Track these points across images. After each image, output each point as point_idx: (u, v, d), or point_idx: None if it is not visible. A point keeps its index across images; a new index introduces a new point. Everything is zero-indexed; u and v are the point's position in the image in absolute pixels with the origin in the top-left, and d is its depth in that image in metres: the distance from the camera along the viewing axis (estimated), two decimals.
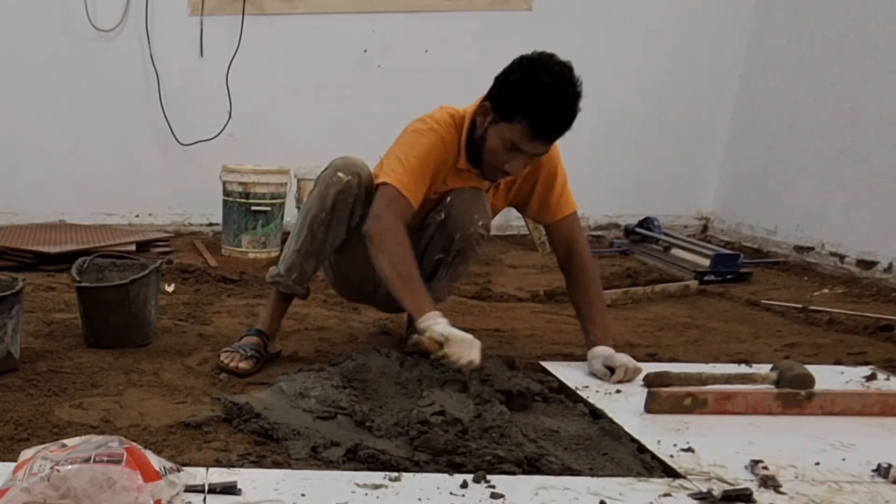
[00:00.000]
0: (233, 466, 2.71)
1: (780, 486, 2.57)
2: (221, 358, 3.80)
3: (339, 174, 3.66)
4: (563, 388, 3.48)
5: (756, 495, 2.50)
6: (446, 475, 2.64)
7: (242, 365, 3.74)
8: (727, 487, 2.54)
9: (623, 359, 3.54)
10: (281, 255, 3.93)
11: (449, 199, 3.69)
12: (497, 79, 3.47)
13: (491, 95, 3.47)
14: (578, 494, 2.52)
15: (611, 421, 3.07)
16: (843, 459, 2.79)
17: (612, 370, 3.53)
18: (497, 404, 3.06)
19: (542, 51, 3.39)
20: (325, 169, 3.74)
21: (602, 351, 3.61)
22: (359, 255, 3.76)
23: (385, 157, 3.70)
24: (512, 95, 3.36)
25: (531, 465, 2.70)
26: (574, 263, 3.79)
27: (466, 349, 3.21)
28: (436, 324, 3.27)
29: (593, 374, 3.59)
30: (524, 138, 3.35)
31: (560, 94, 3.29)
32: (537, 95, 3.29)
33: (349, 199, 3.66)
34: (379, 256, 3.51)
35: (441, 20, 7.20)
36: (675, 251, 6.42)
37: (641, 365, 3.54)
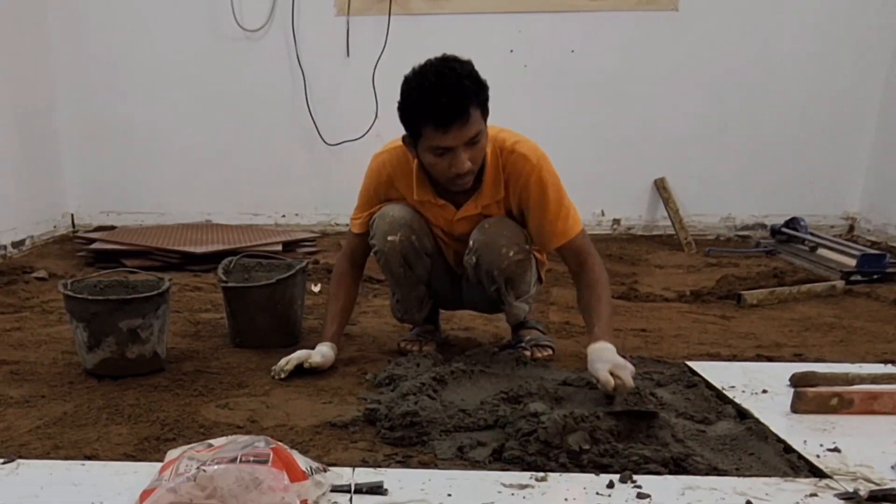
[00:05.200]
0: (379, 466, 2.72)
1: None
2: (403, 346, 4.04)
3: (389, 238, 3.74)
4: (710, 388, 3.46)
5: None
6: (592, 475, 2.64)
7: (427, 348, 3.99)
8: (874, 487, 2.53)
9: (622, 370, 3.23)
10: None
11: (472, 242, 3.69)
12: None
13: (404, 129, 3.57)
14: (725, 494, 2.51)
15: (757, 421, 3.06)
16: None
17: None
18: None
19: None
20: (372, 235, 3.81)
21: (603, 348, 3.33)
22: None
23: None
24: (403, 116, 3.49)
25: (677, 465, 2.69)
26: (585, 276, 3.64)
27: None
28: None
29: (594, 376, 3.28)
30: (437, 137, 3.37)
31: (429, 85, 3.31)
32: (412, 100, 3.40)
33: (410, 252, 3.77)
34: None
35: (587, 20, 7.18)
36: (821, 251, 6.36)
37: (797, 368, 3.43)
